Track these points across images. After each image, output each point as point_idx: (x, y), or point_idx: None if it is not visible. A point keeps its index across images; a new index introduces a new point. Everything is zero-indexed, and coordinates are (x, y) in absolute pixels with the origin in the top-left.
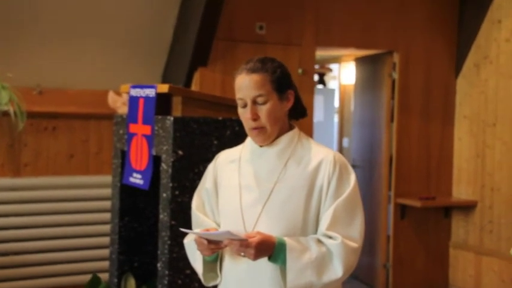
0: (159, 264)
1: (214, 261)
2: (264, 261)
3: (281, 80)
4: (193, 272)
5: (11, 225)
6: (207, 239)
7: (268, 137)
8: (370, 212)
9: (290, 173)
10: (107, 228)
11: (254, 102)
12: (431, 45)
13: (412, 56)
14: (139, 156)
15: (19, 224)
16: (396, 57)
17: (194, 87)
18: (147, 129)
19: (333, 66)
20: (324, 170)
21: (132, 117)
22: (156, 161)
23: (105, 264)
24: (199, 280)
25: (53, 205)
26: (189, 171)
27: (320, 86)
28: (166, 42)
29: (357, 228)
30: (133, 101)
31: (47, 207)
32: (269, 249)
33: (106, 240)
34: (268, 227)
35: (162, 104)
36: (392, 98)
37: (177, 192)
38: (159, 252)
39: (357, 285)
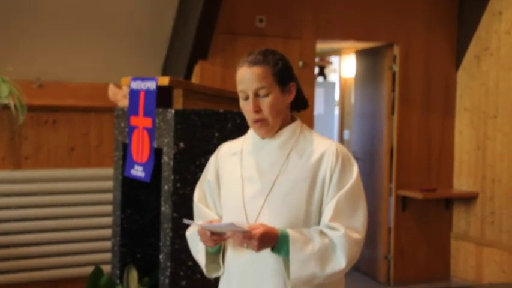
0: (161, 256)
1: (216, 253)
2: (266, 252)
3: (283, 72)
4: (196, 264)
5: (12, 217)
6: (210, 231)
7: (271, 129)
8: (371, 204)
9: (292, 165)
10: (108, 220)
11: (256, 94)
12: (432, 38)
13: (413, 48)
14: (140, 149)
15: (20, 217)
16: (396, 50)
17: (194, 80)
18: (148, 122)
19: (333, 59)
20: (326, 161)
21: (133, 110)
22: (157, 153)
23: (108, 256)
24: (201, 272)
25: (54, 198)
26: (191, 164)
27: (320, 79)
28: (166, 35)
29: (359, 219)
30: (134, 93)
31: (48, 200)
32: (272, 241)
33: (108, 232)
34: (271, 219)
35: (162, 96)
36: (393, 90)
37: (178, 185)
38: (161, 244)
39: (358, 276)
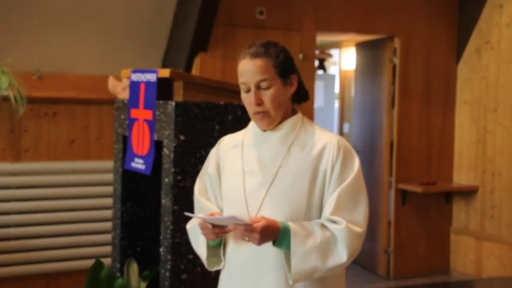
0: (161, 249)
1: (217, 246)
2: (268, 246)
3: (284, 64)
4: (196, 257)
5: (12, 210)
6: (211, 224)
7: (272, 121)
8: (371, 197)
9: (293, 157)
10: (108, 213)
11: (258, 87)
12: (432, 30)
13: (413, 41)
14: (140, 142)
15: (20, 209)
16: (397, 43)
17: (194, 72)
18: (148, 114)
19: (333, 51)
20: (327, 154)
21: (133, 102)
22: (157, 146)
23: (108, 249)
24: (202, 265)
25: (54, 190)
26: (191, 156)
27: (320, 72)
28: (167, 27)
29: (361, 213)
30: (134, 86)
31: (47, 193)
32: (274, 234)
33: (108, 225)
34: (272, 212)
35: (163, 89)
36: (393, 83)
37: (179, 177)
38: (161, 237)
39: (358, 270)
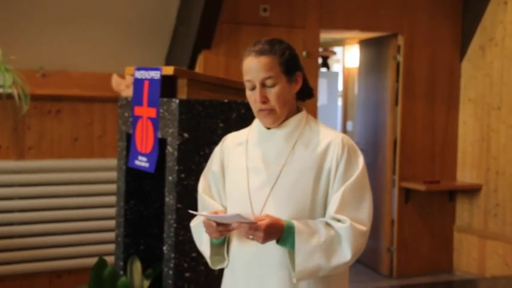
0: (165, 248)
1: (221, 244)
2: (272, 244)
3: (289, 62)
4: (200, 255)
5: (15, 208)
6: (215, 222)
7: (277, 119)
8: (374, 195)
9: (298, 155)
10: (112, 211)
11: (263, 84)
12: (436, 27)
13: (417, 38)
14: (144, 139)
15: (23, 207)
16: (401, 40)
17: (198, 69)
18: (152, 112)
19: (337, 49)
20: (332, 152)
21: (137, 99)
22: (161, 143)
23: (111, 247)
24: (205, 263)
25: (58, 188)
26: (195, 154)
27: (323, 69)
28: (170, 24)
29: (365, 211)
30: (138, 83)
31: (51, 190)
32: (278, 233)
33: (112, 223)
34: (276, 210)
35: (166, 86)
36: (397, 81)
37: (183, 175)
38: (165, 235)
39: (360, 269)
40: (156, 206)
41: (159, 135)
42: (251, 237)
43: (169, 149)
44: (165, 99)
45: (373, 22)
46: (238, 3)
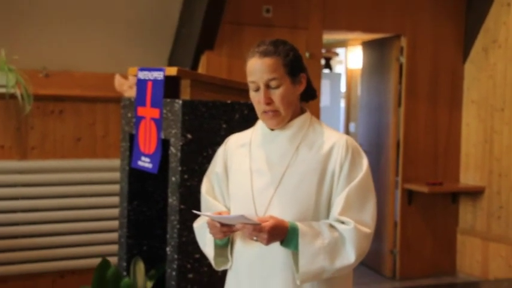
0: (168, 248)
1: (225, 246)
2: (275, 245)
3: (294, 63)
4: (203, 256)
5: (18, 208)
6: (219, 222)
7: (282, 120)
8: (377, 197)
9: (302, 157)
10: (115, 212)
11: (267, 86)
12: (439, 29)
13: (420, 39)
14: (147, 140)
15: (26, 207)
16: (404, 41)
17: (200, 70)
18: (155, 113)
19: (340, 50)
20: (336, 154)
21: (140, 100)
22: (164, 144)
23: (114, 248)
24: (208, 264)
25: (60, 188)
26: (198, 155)
27: (326, 71)
28: (173, 25)
29: (369, 213)
30: (141, 84)
31: (54, 191)
32: (282, 234)
33: (115, 224)
34: (280, 212)
35: (169, 87)
36: (400, 82)
37: (186, 176)
38: (168, 236)
39: (363, 271)
40: (159, 206)
41: (162, 136)
42: (255, 238)
43: (172, 149)
44: (168, 100)
45: (376, 23)
46: (241, 4)
